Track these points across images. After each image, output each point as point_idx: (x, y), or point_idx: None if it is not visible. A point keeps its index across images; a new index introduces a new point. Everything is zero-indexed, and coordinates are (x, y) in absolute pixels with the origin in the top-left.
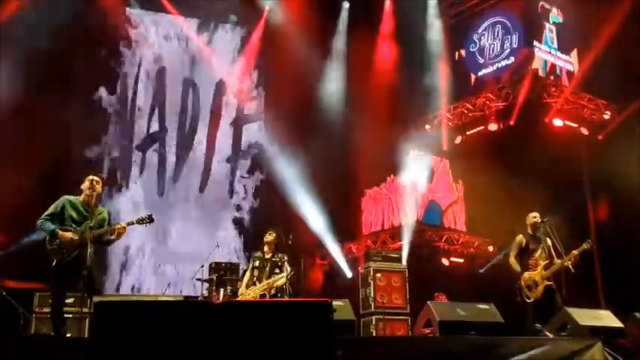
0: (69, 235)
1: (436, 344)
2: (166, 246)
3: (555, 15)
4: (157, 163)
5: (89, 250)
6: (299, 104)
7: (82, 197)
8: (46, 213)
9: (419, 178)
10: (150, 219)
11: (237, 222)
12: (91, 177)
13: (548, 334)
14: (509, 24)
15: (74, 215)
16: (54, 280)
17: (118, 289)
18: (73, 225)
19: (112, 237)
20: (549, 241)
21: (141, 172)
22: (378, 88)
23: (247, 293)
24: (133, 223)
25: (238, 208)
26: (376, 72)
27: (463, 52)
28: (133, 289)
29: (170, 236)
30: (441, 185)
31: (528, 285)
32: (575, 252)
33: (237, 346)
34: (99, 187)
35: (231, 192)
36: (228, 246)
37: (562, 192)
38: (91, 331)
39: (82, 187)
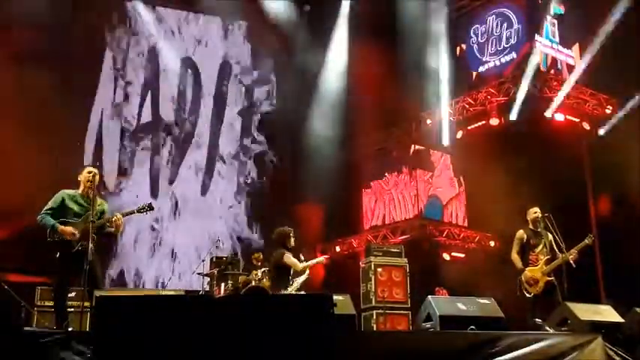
0: (69, 229)
1: (436, 339)
2: (166, 245)
3: (557, 6)
4: (149, 161)
5: (90, 245)
6: (306, 95)
7: (80, 190)
8: (46, 208)
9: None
10: (150, 207)
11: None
12: (89, 168)
13: (548, 329)
14: (511, 16)
15: (75, 208)
16: (58, 273)
17: (119, 285)
18: (74, 218)
19: (112, 229)
20: (550, 236)
21: (130, 173)
22: (379, 82)
23: None
24: (132, 213)
25: (245, 204)
26: (377, 66)
27: (464, 46)
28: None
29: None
30: (442, 180)
31: (529, 280)
32: (576, 247)
33: (239, 340)
34: (97, 178)
35: (239, 191)
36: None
37: (563, 186)
38: (92, 326)
39: (79, 180)
